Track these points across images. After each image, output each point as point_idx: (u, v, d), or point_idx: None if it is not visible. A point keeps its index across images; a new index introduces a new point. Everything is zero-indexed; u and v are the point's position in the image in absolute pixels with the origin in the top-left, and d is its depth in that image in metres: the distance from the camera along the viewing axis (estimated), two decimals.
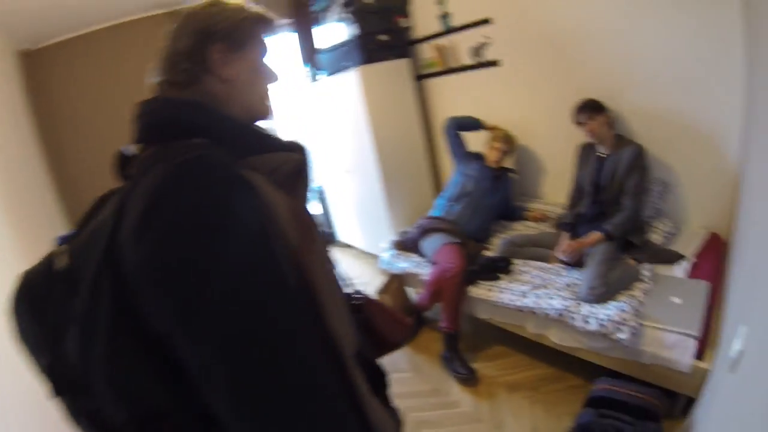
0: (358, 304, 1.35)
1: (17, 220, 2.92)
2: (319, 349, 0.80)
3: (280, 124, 5.80)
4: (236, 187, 0.76)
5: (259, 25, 1.07)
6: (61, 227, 3.93)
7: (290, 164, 1.00)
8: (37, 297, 0.87)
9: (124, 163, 0.95)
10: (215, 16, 1.00)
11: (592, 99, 3.19)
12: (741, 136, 2.86)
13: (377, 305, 1.42)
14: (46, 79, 4.39)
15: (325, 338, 0.85)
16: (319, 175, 5.86)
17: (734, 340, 1.55)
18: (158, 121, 0.93)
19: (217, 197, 0.74)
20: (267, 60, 1.11)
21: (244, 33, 1.03)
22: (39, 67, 4.34)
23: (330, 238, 6.18)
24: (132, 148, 0.96)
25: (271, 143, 1.02)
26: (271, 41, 1.13)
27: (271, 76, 1.12)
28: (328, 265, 1.05)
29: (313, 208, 1.28)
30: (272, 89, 1.13)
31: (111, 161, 0.97)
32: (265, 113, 1.11)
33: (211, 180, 0.76)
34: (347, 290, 1.30)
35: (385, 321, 1.41)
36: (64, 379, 0.84)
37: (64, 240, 0.91)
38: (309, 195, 1.09)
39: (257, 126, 1.06)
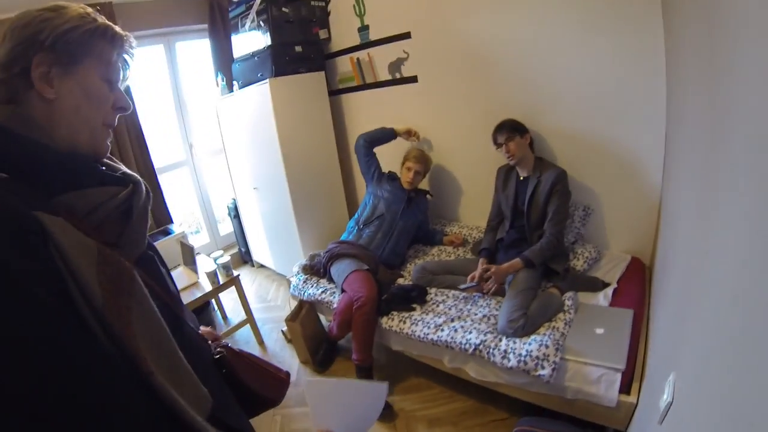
0: (219, 359, 1.25)
1: None
2: (142, 421, 0.75)
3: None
4: (13, 236, 0.67)
5: (101, 39, 0.92)
6: None
7: (115, 202, 0.91)
8: None
9: None
10: (46, 22, 0.86)
11: (512, 119, 3.13)
12: (662, 161, 2.89)
13: (245, 358, 1.34)
14: None
15: (154, 407, 0.79)
16: (231, 191, 5.65)
17: (664, 389, 1.48)
18: None
19: None
20: (113, 83, 0.97)
21: (77, 46, 0.89)
22: None
23: (248, 258, 5.92)
24: None
25: (95, 176, 0.93)
26: (125, 63, 0.99)
27: (117, 103, 0.98)
28: (155, 326, 0.87)
29: (158, 252, 1.16)
30: (112, 120, 0.98)
31: None
32: (93, 149, 0.95)
33: None
34: (203, 344, 1.22)
35: (255, 376, 1.33)
36: None
37: None
38: (143, 237, 1.00)
39: (79, 156, 0.92)
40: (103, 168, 0.98)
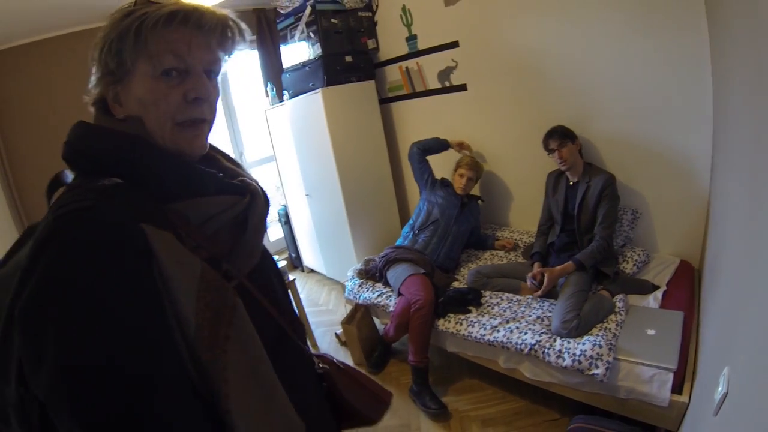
0: (321, 374, 1.23)
1: None
2: None
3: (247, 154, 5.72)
4: (116, 248, 0.69)
5: (136, 36, 0.82)
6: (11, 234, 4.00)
7: (231, 213, 0.90)
8: None
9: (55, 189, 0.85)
10: (120, 21, 0.83)
11: (562, 126, 3.16)
12: (710, 163, 2.87)
13: (348, 375, 1.31)
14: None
15: None
16: (281, 198, 5.77)
17: (719, 382, 1.49)
18: (73, 153, 0.84)
19: (86, 261, 0.66)
20: (171, 73, 0.86)
21: (120, 54, 0.84)
22: None
23: (298, 264, 6.07)
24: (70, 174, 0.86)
25: (211, 184, 0.90)
26: (192, 38, 0.87)
27: (187, 94, 0.88)
28: (255, 356, 0.84)
29: (272, 257, 1.16)
30: (189, 115, 0.89)
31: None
32: (179, 149, 0.89)
33: (85, 239, 0.68)
34: (305, 359, 1.17)
35: (356, 393, 1.30)
36: None
37: None
38: (257, 249, 0.98)
39: (192, 162, 0.90)
40: (221, 174, 0.96)
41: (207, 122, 0.94)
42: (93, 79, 0.88)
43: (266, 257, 1.10)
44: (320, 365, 1.25)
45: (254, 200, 0.96)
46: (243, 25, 0.94)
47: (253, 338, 0.83)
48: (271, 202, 1.02)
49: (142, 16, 0.82)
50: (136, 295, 0.69)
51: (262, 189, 1.03)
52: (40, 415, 0.69)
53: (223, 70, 0.97)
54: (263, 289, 0.99)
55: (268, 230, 6.10)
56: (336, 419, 1.26)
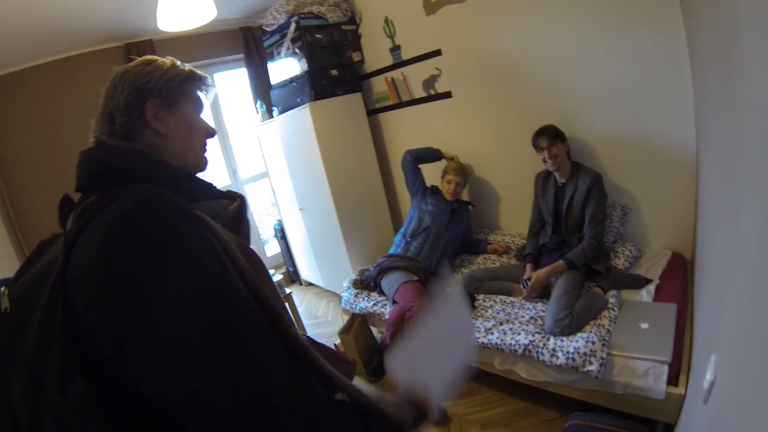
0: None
1: None
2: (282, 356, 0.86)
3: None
4: (192, 221, 0.84)
5: (191, 82, 1.13)
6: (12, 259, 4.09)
7: (230, 210, 1.10)
8: None
9: (68, 208, 0.97)
10: (148, 75, 1.05)
11: (553, 125, 3.17)
12: (696, 153, 2.88)
13: (318, 345, 1.40)
14: None
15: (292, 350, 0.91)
16: (276, 213, 5.80)
17: (706, 370, 1.52)
18: (103, 169, 0.97)
19: (175, 229, 0.80)
20: (202, 114, 1.18)
21: (176, 90, 1.08)
22: None
23: (296, 278, 6.10)
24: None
25: (210, 191, 1.11)
26: (205, 96, 1.19)
27: (207, 131, 1.18)
28: (278, 297, 1.04)
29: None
30: (207, 142, 1.19)
31: (58, 204, 0.98)
32: (198, 166, 1.17)
33: (169, 214, 0.81)
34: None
35: (329, 359, 1.38)
36: (8, 428, 0.82)
37: (2, 284, 0.92)
38: (247, 241, 1.15)
39: (196, 176, 1.12)
40: (214, 186, 1.15)
41: None
42: (124, 98, 1.04)
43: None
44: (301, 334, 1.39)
45: (244, 202, 1.16)
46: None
47: (275, 289, 1.08)
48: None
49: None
50: (217, 252, 0.84)
51: (244, 196, 1.22)
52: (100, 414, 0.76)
53: (215, 90, 1.26)
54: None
55: (266, 246, 6.39)
56: None
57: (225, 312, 0.79)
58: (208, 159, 1.21)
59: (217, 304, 0.79)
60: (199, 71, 1.17)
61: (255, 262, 1.00)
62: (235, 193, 1.18)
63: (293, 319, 1.29)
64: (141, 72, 1.06)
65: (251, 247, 1.10)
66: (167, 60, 1.12)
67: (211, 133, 1.19)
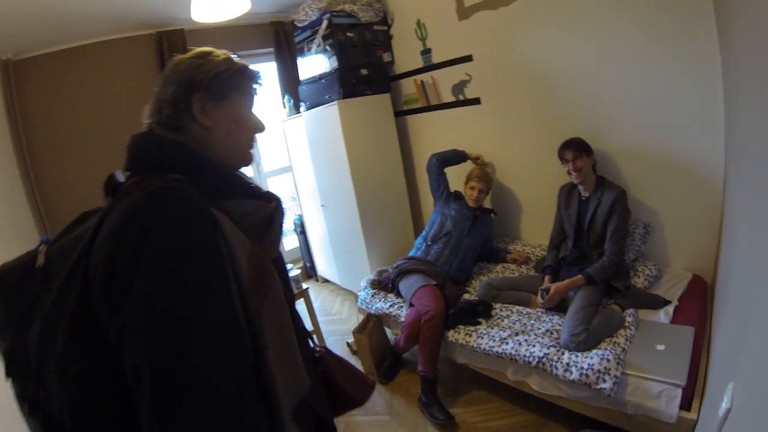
0: (317, 357, 1.43)
1: None
2: (240, 374, 0.88)
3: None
4: (197, 217, 0.88)
5: (242, 77, 1.15)
6: (34, 236, 4.09)
7: (261, 213, 1.12)
8: (11, 286, 0.98)
9: (112, 185, 1.04)
10: (199, 68, 1.09)
11: (579, 138, 3.16)
12: (723, 176, 2.85)
13: (338, 360, 1.50)
14: (27, 90, 4.40)
15: (260, 378, 0.94)
16: (297, 208, 5.84)
17: (722, 397, 1.49)
18: (142, 154, 1.05)
19: (178, 222, 0.86)
20: (252, 110, 1.21)
21: (225, 85, 1.11)
22: (20, 77, 4.36)
23: (312, 273, 6.11)
24: (121, 175, 1.07)
25: (246, 190, 1.15)
26: (258, 92, 1.22)
27: (256, 127, 1.21)
28: (282, 315, 1.08)
29: (283, 259, 1.42)
30: (255, 138, 1.23)
31: (103, 181, 1.06)
32: (243, 161, 1.20)
33: (176, 208, 0.87)
34: (308, 340, 1.40)
35: (345, 377, 1.48)
36: (20, 364, 0.93)
37: (45, 242, 1.02)
38: (277, 245, 1.22)
39: (237, 172, 1.19)
40: (252, 185, 1.20)
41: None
42: (171, 90, 1.09)
43: (280, 257, 1.30)
44: (318, 348, 1.45)
45: (279, 206, 1.19)
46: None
47: (282, 302, 1.09)
48: (286, 211, 1.26)
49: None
50: (210, 251, 0.88)
51: (281, 199, 1.24)
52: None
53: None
54: (281, 276, 1.18)
55: (284, 239, 6.25)
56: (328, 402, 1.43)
57: (187, 309, 0.83)
58: (253, 154, 1.23)
59: (182, 299, 0.83)
60: (251, 67, 1.19)
61: (263, 273, 1.02)
62: (272, 194, 1.21)
63: (304, 316, 1.32)
64: (192, 65, 1.09)
65: (280, 252, 1.15)
66: (221, 54, 1.14)
67: (260, 128, 1.22)
